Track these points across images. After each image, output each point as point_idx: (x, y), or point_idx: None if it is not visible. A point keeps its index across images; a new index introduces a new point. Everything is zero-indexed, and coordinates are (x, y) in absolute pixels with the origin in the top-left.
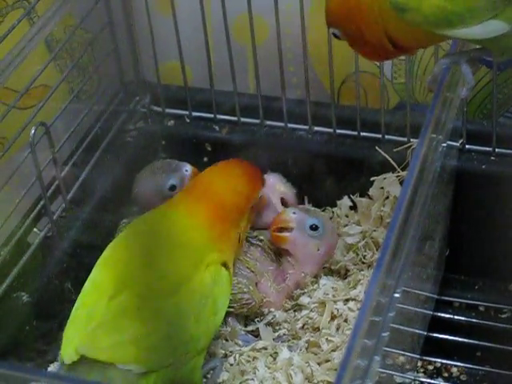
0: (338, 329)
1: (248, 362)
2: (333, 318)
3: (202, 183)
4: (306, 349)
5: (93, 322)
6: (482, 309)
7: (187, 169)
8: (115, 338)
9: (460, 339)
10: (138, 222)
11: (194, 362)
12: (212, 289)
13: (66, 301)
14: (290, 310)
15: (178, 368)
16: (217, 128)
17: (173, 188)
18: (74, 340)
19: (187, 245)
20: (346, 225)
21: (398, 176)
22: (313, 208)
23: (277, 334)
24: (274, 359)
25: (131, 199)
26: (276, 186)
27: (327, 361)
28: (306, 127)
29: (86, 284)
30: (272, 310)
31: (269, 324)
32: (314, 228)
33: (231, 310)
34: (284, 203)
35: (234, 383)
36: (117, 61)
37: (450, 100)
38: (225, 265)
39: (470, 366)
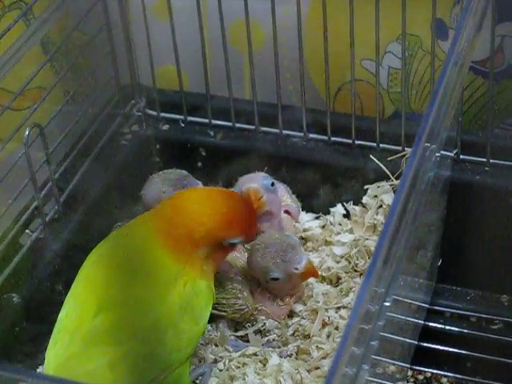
0: (328, 336)
1: (237, 367)
2: (324, 325)
3: (173, 201)
4: (296, 354)
5: (69, 351)
6: (473, 319)
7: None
8: (89, 365)
9: (451, 349)
10: (117, 236)
11: (179, 370)
12: (190, 299)
13: (57, 303)
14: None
15: (162, 380)
16: (211, 133)
17: None
18: (55, 368)
19: (160, 264)
20: (339, 233)
21: (391, 185)
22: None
23: (266, 339)
24: (264, 365)
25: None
26: (282, 198)
27: (317, 368)
28: (300, 134)
29: (68, 304)
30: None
31: (259, 330)
32: (274, 279)
33: (224, 314)
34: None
35: None
36: (113, 64)
37: (445, 110)
38: (202, 278)
39: (461, 376)
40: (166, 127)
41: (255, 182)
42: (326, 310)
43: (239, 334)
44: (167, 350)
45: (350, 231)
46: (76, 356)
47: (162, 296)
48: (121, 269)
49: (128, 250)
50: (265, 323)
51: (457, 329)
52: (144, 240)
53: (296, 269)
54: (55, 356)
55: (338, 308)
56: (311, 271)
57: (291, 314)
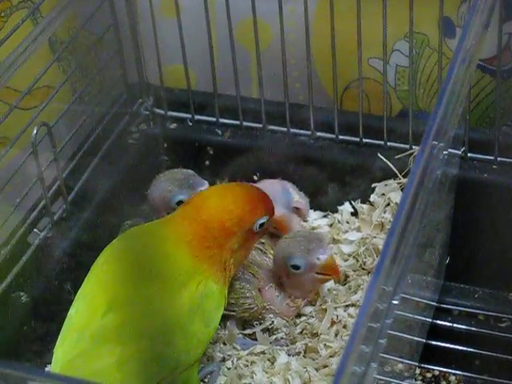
0: (336, 334)
1: (246, 366)
2: (332, 323)
3: (194, 201)
4: (305, 352)
5: (77, 349)
6: (481, 317)
7: (202, 189)
8: (97, 364)
9: (459, 347)
10: (130, 235)
11: (188, 371)
12: (201, 302)
13: (65, 302)
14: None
15: (171, 380)
16: (219, 132)
17: (180, 203)
18: (62, 366)
19: (176, 264)
20: (347, 231)
21: (399, 183)
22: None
23: (274, 337)
24: (272, 364)
25: (145, 197)
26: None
27: (325, 366)
28: (308, 132)
29: (78, 301)
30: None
31: (267, 328)
32: (295, 267)
33: (233, 313)
34: (297, 212)
35: None
36: (120, 63)
37: (453, 108)
38: (217, 282)
39: (469, 374)
40: (173, 126)
41: (276, 200)
42: (335, 308)
43: (247, 332)
44: (176, 352)
45: (358, 229)
46: (84, 354)
47: (172, 297)
48: (133, 268)
49: (142, 249)
50: (273, 321)
51: (465, 327)
52: (161, 241)
53: (318, 259)
54: (63, 353)
55: (347, 306)
56: (332, 267)
57: (299, 312)
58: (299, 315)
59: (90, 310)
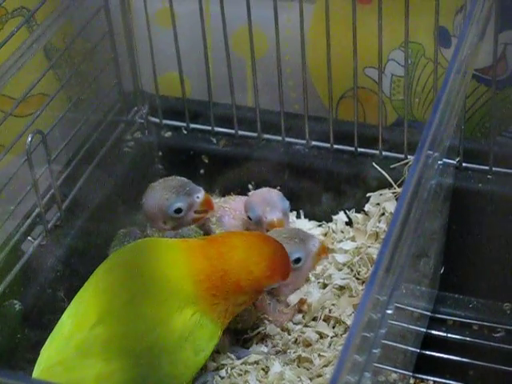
0: (330, 344)
1: (240, 375)
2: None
3: (220, 245)
4: (298, 361)
5: (60, 356)
6: (475, 327)
7: (199, 196)
8: (76, 375)
9: (453, 357)
10: (141, 247)
11: None
12: (193, 330)
13: (59, 310)
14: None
15: None
16: (214, 140)
17: (178, 211)
18: (42, 370)
19: (176, 291)
20: (341, 240)
21: (394, 192)
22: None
23: (268, 345)
24: (266, 373)
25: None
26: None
27: (319, 376)
28: (303, 141)
29: (72, 307)
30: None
31: (261, 338)
32: (297, 261)
33: None
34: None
35: None
36: (116, 71)
37: (448, 117)
38: (212, 320)
39: None
40: (168, 134)
41: (275, 207)
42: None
43: (240, 340)
44: (159, 375)
45: (353, 239)
46: (65, 363)
47: (164, 320)
48: (132, 283)
49: (148, 265)
50: (266, 329)
51: (459, 337)
52: (171, 264)
53: (313, 246)
54: (47, 358)
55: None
56: (324, 249)
57: (293, 321)
58: (293, 323)
59: (80, 318)
